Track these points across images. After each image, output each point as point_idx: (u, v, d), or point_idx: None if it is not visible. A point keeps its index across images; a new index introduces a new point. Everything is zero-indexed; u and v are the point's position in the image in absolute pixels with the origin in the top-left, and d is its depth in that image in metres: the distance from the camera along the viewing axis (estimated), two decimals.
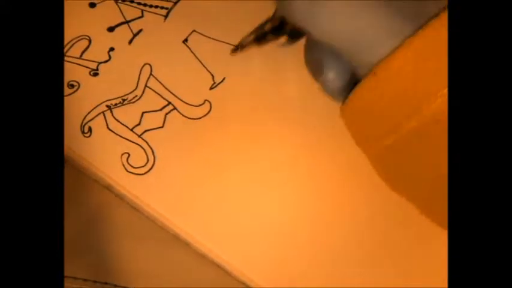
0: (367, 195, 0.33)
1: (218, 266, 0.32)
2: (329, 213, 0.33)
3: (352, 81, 0.25)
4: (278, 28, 0.28)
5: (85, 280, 0.31)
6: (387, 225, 0.32)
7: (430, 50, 0.21)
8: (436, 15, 0.21)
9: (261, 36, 0.29)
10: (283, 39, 0.28)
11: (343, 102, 0.25)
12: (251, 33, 0.30)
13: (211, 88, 0.35)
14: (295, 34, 0.28)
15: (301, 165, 0.34)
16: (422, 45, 0.21)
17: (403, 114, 0.22)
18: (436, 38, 0.21)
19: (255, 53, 0.35)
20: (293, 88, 0.35)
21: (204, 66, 0.35)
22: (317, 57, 0.26)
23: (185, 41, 0.36)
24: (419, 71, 0.21)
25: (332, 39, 0.24)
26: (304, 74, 0.34)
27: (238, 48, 0.31)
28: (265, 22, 0.29)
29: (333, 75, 0.25)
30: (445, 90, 0.21)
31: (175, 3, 0.36)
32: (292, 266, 0.32)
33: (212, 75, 0.35)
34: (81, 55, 0.35)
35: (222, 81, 0.35)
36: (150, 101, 0.34)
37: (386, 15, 0.22)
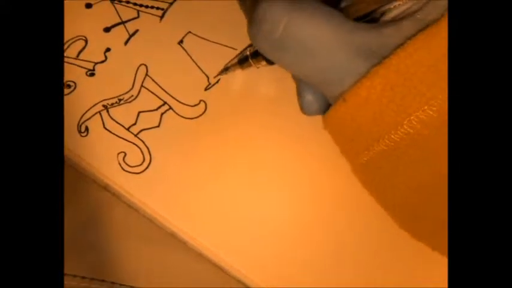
0: (366, 195, 0.33)
1: (216, 265, 0.32)
2: (327, 213, 0.33)
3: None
4: (257, 53, 0.29)
5: (83, 278, 0.31)
6: (386, 225, 0.32)
7: (395, 78, 0.22)
8: (401, 44, 0.22)
9: (243, 59, 0.30)
10: (263, 63, 0.29)
11: (322, 116, 0.26)
12: (235, 57, 0.31)
13: (206, 89, 0.35)
14: (271, 61, 0.29)
15: (299, 164, 0.34)
16: (389, 73, 0.22)
17: (372, 138, 0.23)
18: (400, 66, 0.22)
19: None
20: (289, 88, 0.35)
21: (199, 67, 0.35)
22: (296, 81, 0.27)
23: (180, 42, 0.36)
24: (386, 98, 0.22)
25: (298, 75, 0.25)
26: None
27: (223, 71, 0.33)
28: (247, 47, 0.31)
29: (311, 98, 0.27)
30: (412, 117, 0.21)
31: (170, 4, 0.37)
32: (290, 265, 0.32)
33: (207, 76, 0.35)
34: (77, 55, 0.35)
35: (217, 82, 0.35)
36: (146, 100, 0.34)
37: (350, 52, 0.23)
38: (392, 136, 0.22)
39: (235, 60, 0.31)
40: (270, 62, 0.29)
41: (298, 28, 0.23)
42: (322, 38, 0.23)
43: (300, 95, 0.27)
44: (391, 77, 0.22)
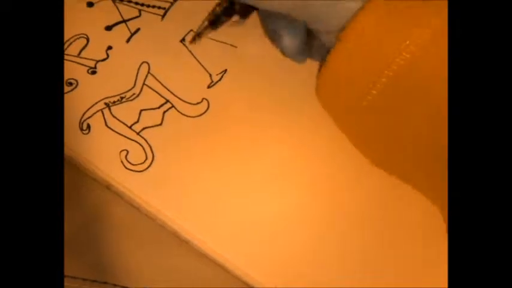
0: (368, 194, 0.33)
1: (219, 264, 0.32)
2: (331, 212, 0.33)
3: (309, 41, 0.27)
4: (228, 8, 0.29)
5: (84, 279, 0.31)
6: (390, 224, 0.32)
7: (389, 6, 0.22)
8: None
9: (214, 19, 0.30)
10: (235, 18, 0.29)
11: (317, 78, 0.26)
12: (204, 20, 0.31)
13: (209, 87, 0.35)
14: (245, 11, 0.29)
15: (301, 163, 0.34)
16: (380, 4, 0.22)
17: (373, 73, 0.23)
18: None
19: (253, 52, 0.35)
20: (292, 87, 0.35)
21: (201, 65, 0.35)
22: (271, 27, 0.27)
23: (182, 40, 0.36)
24: (383, 27, 0.22)
25: (290, 12, 0.25)
26: (303, 73, 0.35)
27: (196, 37, 0.32)
28: (216, 5, 0.30)
29: (289, 40, 0.27)
30: (408, 42, 0.21)
31: (172, 3, 0.37)
32: (293, 264, 0.32)
33: (210, 74, 0.35)
34: (79, 53, 0.35)
35: (219, 80, 0.35)
36: (148, 99, 0.34)
37: None
38: (391, 66, 0.22)
39: (206, 22, 0.31)
40: (243, 15, 0.29)
41: None
42: None
43: (278, 37, 0.27)
44: (384, 6, 0.22)
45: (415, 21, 0.21)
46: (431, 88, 0.22)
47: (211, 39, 0.36)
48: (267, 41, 0.35)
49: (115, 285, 0.31)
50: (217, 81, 0.35)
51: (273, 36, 0.28)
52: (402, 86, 0.22)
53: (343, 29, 0.23)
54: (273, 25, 0.27)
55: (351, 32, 0.23)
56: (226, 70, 0.35)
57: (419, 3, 0.22)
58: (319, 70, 0.25)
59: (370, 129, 0.26)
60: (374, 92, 0.23)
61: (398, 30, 0.22)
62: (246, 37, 0.35)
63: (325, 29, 0.24)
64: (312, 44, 0.28)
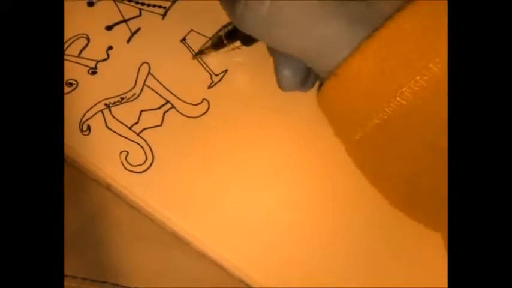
0: (368, 194, 0.33)
1: (218, 265, 0.32)
2: (332, 213, 0.33)
3: (308, 76, 0.27)
4: (232, 33, 0.29)
5: (84, 279, 0.31)
6: (389, 225, 0.32)
7: (386, 50, 0.22)
8: (391, 16, 0.22)
9: (217, 41, 0.30)
10: (238, 44, 0.29)
11: (317, 95, 0.26)
12: (209, 39, 0.32)
13: (209, 87, 0.35)
14: (248, 39, 0.29)
15: (302, 163, 0.34)
16: (379, 46, 0.22)
17: (366, 113, 0.23)
18: (391, 38, 0.21)
19: (254, 53, 0.35)
20: None
21: (202, 65, 0.35)
22: (273, 57, 0.27)
23: (183, 40, 0.36)
24: (378, 71, 0.22)
25: (288, 50, 0.24)
26: None
27: (197, 54, 0.33)
28: (221, 28, 0.31)
29: (288, 73, 0.27)
30: (404, 89, 0.21)
31: (173, 3, 0.37)
32: (292, 265, 0.32)
33: (210, 74, 0.35)
34: (79, 54, 0.35)
35: (220, 80, 0.35)
36: (149, 99, 0.34)
37: (340, 23, 0.23)
38: (385, 109, 0.22)
39: (209, 43, 0.31)
40: (245, 43, 0.29)
41: (284, 1, 0.23)
42: (311, 9, 0.22)
43: (277, 70, 0.27)
44: (382, 49, 0.22)
45: (413, 67, 0.21)
46: (426, 133, 0.22)
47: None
48: None
49: (114, 284, 0.31)
50: (217, 82, 0.35)
51: (275, 66, 0.28)
52: (395, 128, 0.22)
53: (340, 64, 0.23)
54: (274, 54, 0.27)
55: (347, 70, 0.23)
56: (226, 70, 0.35)
57: (417, 47, 0.21)
58: (317, 91, 0.25)
59: (362, 159, 0.26)
60: (366, 129, 0.23)
61: (394, 74, 0.22)
62: None
63: (323, 69, 0.24)
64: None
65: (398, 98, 0.22)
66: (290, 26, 0.23)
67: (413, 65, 0.21)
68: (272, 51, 0.27)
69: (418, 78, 0.21)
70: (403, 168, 0.24)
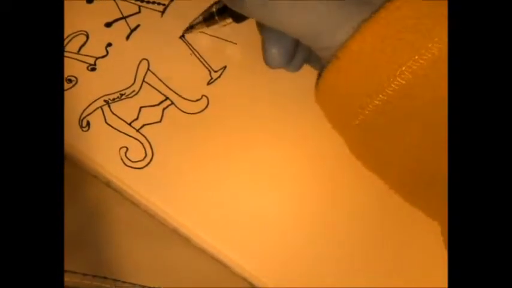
0: (370, 195, 0.33)
1: (218, 261, 0.32)
2: (334, 211, 0.33)
3: (294, 56, 0.27)
4: (223, 9, 0.29)
5: (84, 275, 0.31)
6: (390, 226, 0.32)
7: (386, 30, 0.22)
8: None
9: (208, 17, 0.30)
10: (229, 20, 0.29)
11: (315, 87, 0.26)
12: (200, 15, 0.31)
13: (208, 83, 0.35)
14: (239, 16, 0.29)
15: (302, 160, 0.34)
16: (379, 26, 0.22)
17: (367, 94, 0.23)
18: (390, 18, 0.22)
19: (252, 49, 0.35)
20: (292, 84, 0.35)
21: (201, 61, 0.35)
22: (261, 34, 0.27)
23: (182, 36, 0.36)
24: (378, 50, 0.22)
25: (288, 30, 0.25)
26: (303, 70, 0.35)
27: (188, 29, 0.33)
28: (213, 4, 0.30)
29: (275, 51, 0.27)
30: (403, 68, 0.21)
31: (171, 0, 0.37)
32: (291, 261, 0.32)
33: (209, 70, 0.35)
34: (78, 50, 0.35)
35: (219, 76, 0.35)
36: (148, 96, 0.34)
37: (340, 3, 0.23)
38: (386, 90, 0.22)
39: (201, 18, 0.31)
40: (236, 20, 0.29)
41: None
42: None
43: (265, 48, 0.27)
44: (381, 30, 0.22)
45: (412, 47, 0.21)
46: (426, 113, 0.22)
47: (212, 35, 0.36)
48: None
49: (115, 280, 0.31)
50: (216, 78, 0.35)
51: (263, 43, 0.27)
52: (395, 109, 0.22)
53: (340, 46, 0.23)
54: (264, 32, 0.27)
55: (348, 52, 0.23)
56: (225, 67, 0.35)
57: (417, 27, 0.21)
58: (316, 81, 0.25)
59: (362, 146, 0.26)
60: (366, 112, 0.23)
61: (394, 55, 0.22)
62: (246, 33, 0.35)
63: (321, 46, 0.24)
64: (309, 55, 0.28)
65: (398, 78, 0.22)
66: (292, 8, 0.23)
67: (412, 45, 0.21)
68: (262, 28, 0.27)
69: (417, 57, 0.21)
70: (403, 151, 0.24)
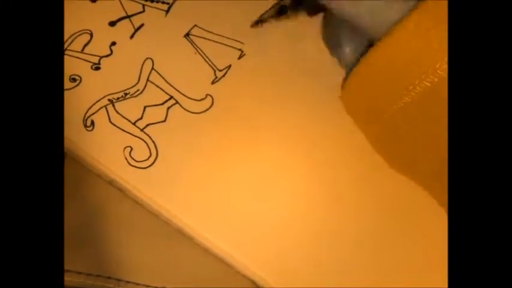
0: (373, 196, 0.33)
1: (222, 261, 0.32)
2: (337, 212, 0.33)
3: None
4: (297, 3, 0.29)
5: (88, 274, 0.31)
6: (392, 226, 0.32)
7: (443, 13, 0.21)
8: None
9: (280, 10, 0.29)
10: (302, 14, 0.28)
11: (347, 77, 0.25)
12: (271, 7, 0.31)
13: (213, 82, 0.35)
14: (313, 10, 0.28)
15: (308, 160, 0.34)
16: (436, 9, 0.22)
17: (417, 75, 0.22)
18: (436, 8, 0.21)
19: (258, 48, 0.35)
20: (297, 83, 0.35)
21: (206, 60, 0.35)
22: (335, 32, 0.26)
23: (187, 35, 0.36)
24: (433, 31, 0.22)
25: (353, 18, 0.24)
26: (308, 69, 0.35)
27: (258, 22, 0.32)
28: None
29: (350, 50, 0.26)
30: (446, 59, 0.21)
31: None
32: (297, 261, 0.32)
33: (214, 69, 0.35)
34: (82, 49, 0.35)
35: (224, 75, 0.35)
36: (152, 95, 0.34)
37: None
38: (438, 71, 0.22)
39: (272, 11, 0.30)
40: (310, 13, 0.29)
41: None
42: None
43: (339, 47, 0.27)
44: (439, 12, 0.21)
45: None
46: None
47: (217, 34, 0.36)
48: (272, 37, 0.35)
49: (118, 279, 0.31)
50: (221, 77, 0.35)
51: (334, 41, 0.27)
52: (443, 93, 0.22)
53: (392, 28, 0.23)
54: (339, 29, 0.27)
55: (402, 30, 0.22)
56: (230, 66, 0.35)
57: None
58: (351, 70, 0.25)
59: (395, 133, 0.25)
60: (413, 94, 0.23)
61: (437, 45, 0.21)
62: (250, 32, 0.35)
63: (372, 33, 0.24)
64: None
65: (438, 71, 0.22)
66: None
67: None
68: (336, 27, 0.27)
69: None
70: (440, 137, 0.23)
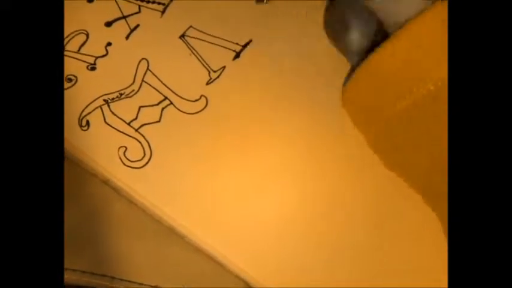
0: (370, 196, 0.33)
1: (215, 260, 0.32)
2: (331, 211, 0.33)
3: (373, 45, 0.26)
4: None
5: (83, 272, 0.31)
6: (391, 226, 0.33)
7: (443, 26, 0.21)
8: None
9: None
10: None
11: (352, 73, 0.25)
12: None
13: (207, 83, 0.35)
14: None
15: (302, 161, 0.34)
16: (443, 9, 0.22)
17: (421, 76, 0.22)
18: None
19: (252, 49, 0.35)
20: (292, 84, 0.35)
21: (200, 61, 0.35)
22: (342, 18, 0.26)
23: (182, 36, 0.36)
24: (442, 35, 0.21)
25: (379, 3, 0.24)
26: (303, 70, 0.35)
27: None
28: None
29: (358, 35, 0.26)
30: None
31: None
32: (290, 261, 0.32)
33: (209, 70, 0.35)
34: (78, 49, 0.35)
35: (218, 76, 0.35)
36: (147, 95, 0.34)
37: None
38: (442, 75, 0.22)
39: None
40: None
41: None
42: None
43: (347, 32, 0.26)
44: (442, 14, 0.22)
45: None
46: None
47: (212, 36, 0.36)
48: (266, 38, 0.35)
49: (112, 277, 0.31)
50: (215, 78, 0.35)
51: (340, 27, 0.27)
52: (430, 108, 0.22)
53: (404, 23, 0.23)
54: (346, 14, 0.26)
55: (420, 24, 0.22)
56: (224, 67, 0.35)
57: None
58: (355, 68, 0.25)
59: (393, 134, 0.25)
60: (416, 96, 0.23)
61: (440, 55, 0.21)
62: (246, 33, 0.36)
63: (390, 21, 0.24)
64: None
65: None
66: None
67: None
68: (343, 12, 0.26)
69: None
70: (439, 140, 0.23)
